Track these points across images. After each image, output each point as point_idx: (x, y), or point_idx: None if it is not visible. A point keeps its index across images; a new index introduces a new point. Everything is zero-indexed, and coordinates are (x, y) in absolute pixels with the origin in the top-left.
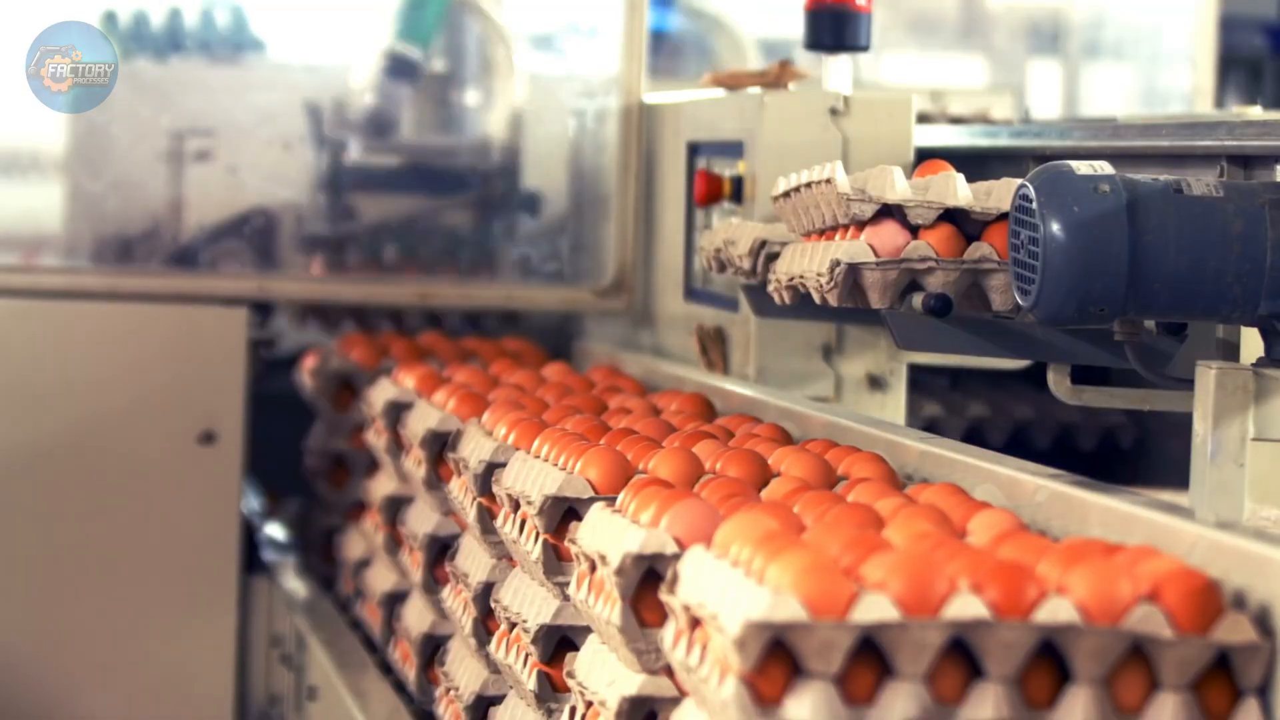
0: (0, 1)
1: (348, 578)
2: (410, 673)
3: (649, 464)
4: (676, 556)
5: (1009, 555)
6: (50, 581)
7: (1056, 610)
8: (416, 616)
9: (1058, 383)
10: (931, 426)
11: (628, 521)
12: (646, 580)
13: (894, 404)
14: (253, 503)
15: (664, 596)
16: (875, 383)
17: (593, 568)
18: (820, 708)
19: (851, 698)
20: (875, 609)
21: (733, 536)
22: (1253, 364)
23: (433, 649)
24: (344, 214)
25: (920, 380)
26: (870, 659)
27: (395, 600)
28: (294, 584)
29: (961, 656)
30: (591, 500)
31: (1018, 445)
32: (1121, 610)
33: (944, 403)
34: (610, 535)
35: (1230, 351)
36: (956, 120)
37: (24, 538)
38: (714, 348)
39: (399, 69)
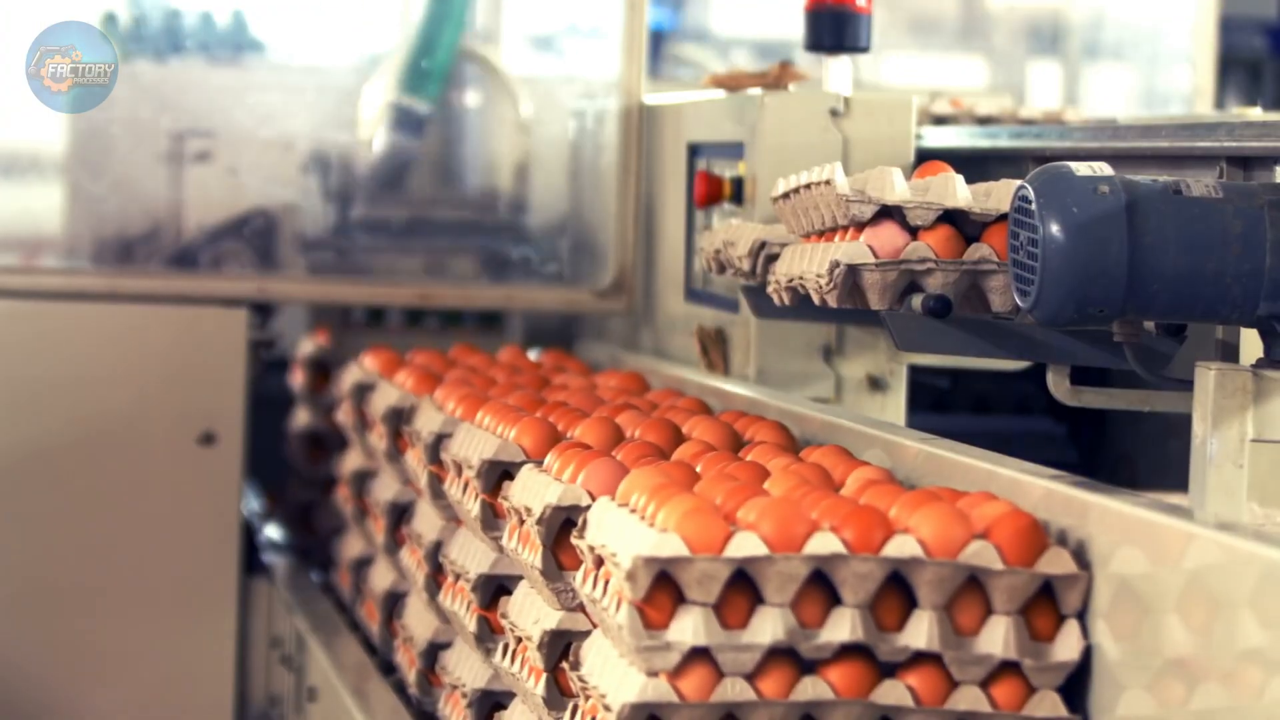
0: (1, 1)
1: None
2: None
3: (575, 431)
4: (589, 507)
5: (867, 502)
6: (50, 582)
7: (902, 546)
8: (382, 578)
9: (1057, 384)
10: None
11: (550, 478)
12: (567, 531)
13: (894, 405)
14: (253, 503)
15: (575, 540)
16: (875, 384)
17: (520, 520)
18: (700, 630)
19: (727, 622)
20: (746, 546)
21: (632, 488)
22: (1252, 365)
23: (393, 604)
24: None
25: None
26: (744, 589)
27: (362, 565)
28: (294, 585)
29: (822, 587)
30: (524, 464)
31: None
32: (959, 546)
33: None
34: (534, 491)
35: (1230, 353)
36: (985, 120)
37: (24, 538)
38: (714, 349)
39: (405, 121)
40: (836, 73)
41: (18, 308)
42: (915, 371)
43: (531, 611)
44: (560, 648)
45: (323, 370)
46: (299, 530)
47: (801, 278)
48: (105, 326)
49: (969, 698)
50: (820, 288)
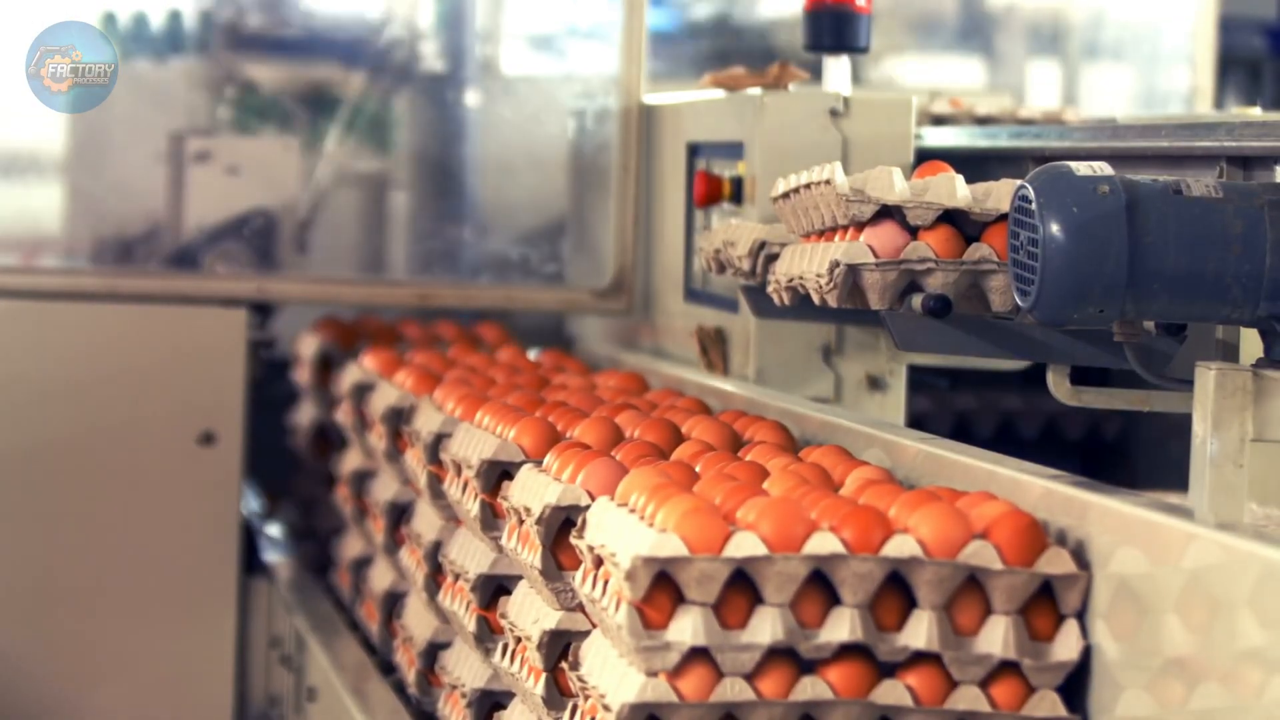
0: (1, 1)
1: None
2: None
3: (575, 431)
4: (589, 507)
5: (866, 502)
6: (50, 582)
7: (902, 546)
8: (381, 578)
9: (1057, 384)
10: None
11: (549, 478)
12: (566, 530)
13: (893, 404)
14: (252, 503)
15: (574, 540)
16: (875, 383)
17: (520, 520)
18: (699, 630)
19: (727, 622)
20: (746, 546)
21: (632, 488)
22: (1252, 365)
23: (393, 604)
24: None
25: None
26: (743, 589)
27: (362, 565)
28: (294, 585)
29: (822, 587)
30: (523, 463)
31: (1006, 438)
32: (958, 546)
33: (933, 398)
34: (534, 491)
35: (1230, 352)
36: (984, 120)
37: (24, 538)
38: (714, 349)
39: None
40: (836, 73)
41: (18, 308)
42: (915, 372)
43: (531, 611)
44: (560, 648)
45: (327, 365)
46: (301, 528)
47: (801, 278)
48: (105, 326)
49: (968, 697)
50: (820, 288)
